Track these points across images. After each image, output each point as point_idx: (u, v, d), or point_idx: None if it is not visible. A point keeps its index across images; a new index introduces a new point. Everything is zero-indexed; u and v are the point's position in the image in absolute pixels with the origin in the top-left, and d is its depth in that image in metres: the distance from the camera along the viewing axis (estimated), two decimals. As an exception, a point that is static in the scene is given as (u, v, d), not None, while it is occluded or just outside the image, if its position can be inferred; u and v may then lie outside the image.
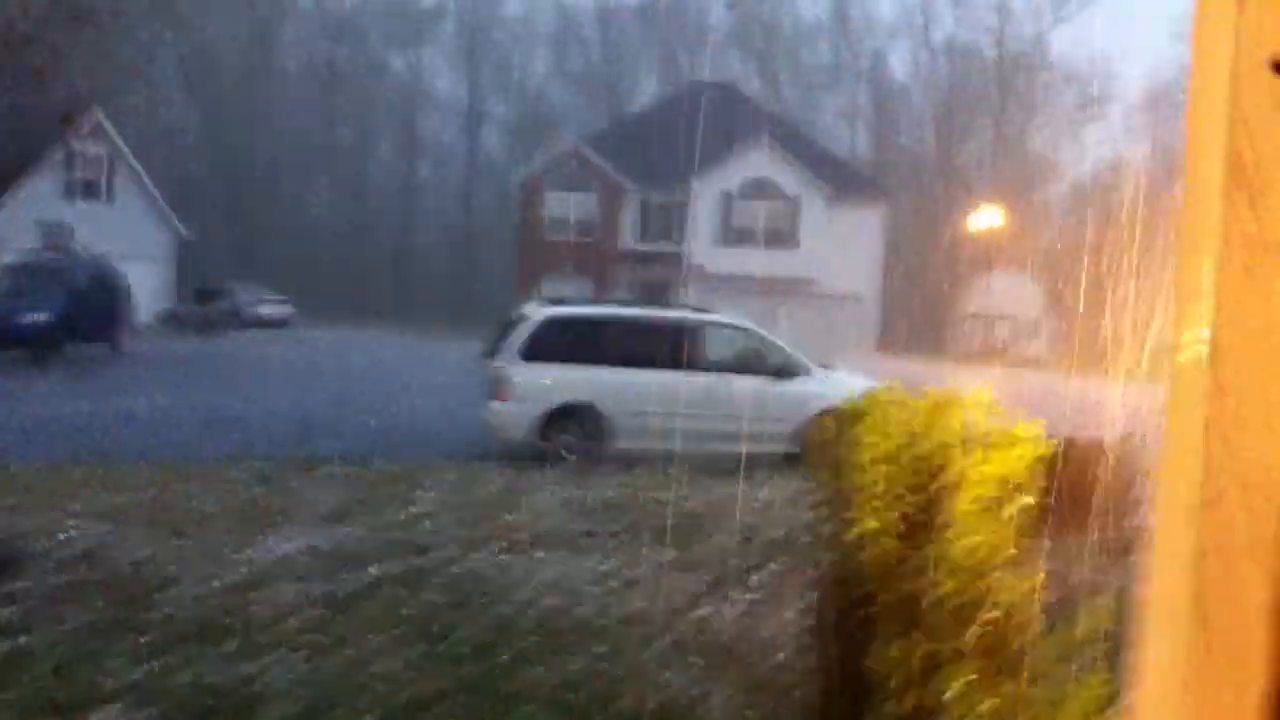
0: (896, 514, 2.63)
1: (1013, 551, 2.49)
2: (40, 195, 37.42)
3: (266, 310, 47.47)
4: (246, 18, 68.49)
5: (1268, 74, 1.01)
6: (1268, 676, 0.99)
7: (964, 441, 2.64)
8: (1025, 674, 2.34)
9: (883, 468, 2.67)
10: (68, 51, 10.48)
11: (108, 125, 40.71)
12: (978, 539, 2.50)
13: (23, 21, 9.12)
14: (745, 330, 15.71)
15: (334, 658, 6.15)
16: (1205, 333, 1.06)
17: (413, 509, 10.37)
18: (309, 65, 71.91)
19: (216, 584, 7.47)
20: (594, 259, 47.63)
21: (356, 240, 67.01)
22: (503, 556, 8.62)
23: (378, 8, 73.47)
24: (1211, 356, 1.04)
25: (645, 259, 48.28)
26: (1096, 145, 76.19)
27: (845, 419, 2.96)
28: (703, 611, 7.31)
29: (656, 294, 43.23)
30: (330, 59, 71.54)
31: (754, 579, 8.16)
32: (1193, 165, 1.10)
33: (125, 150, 43.33)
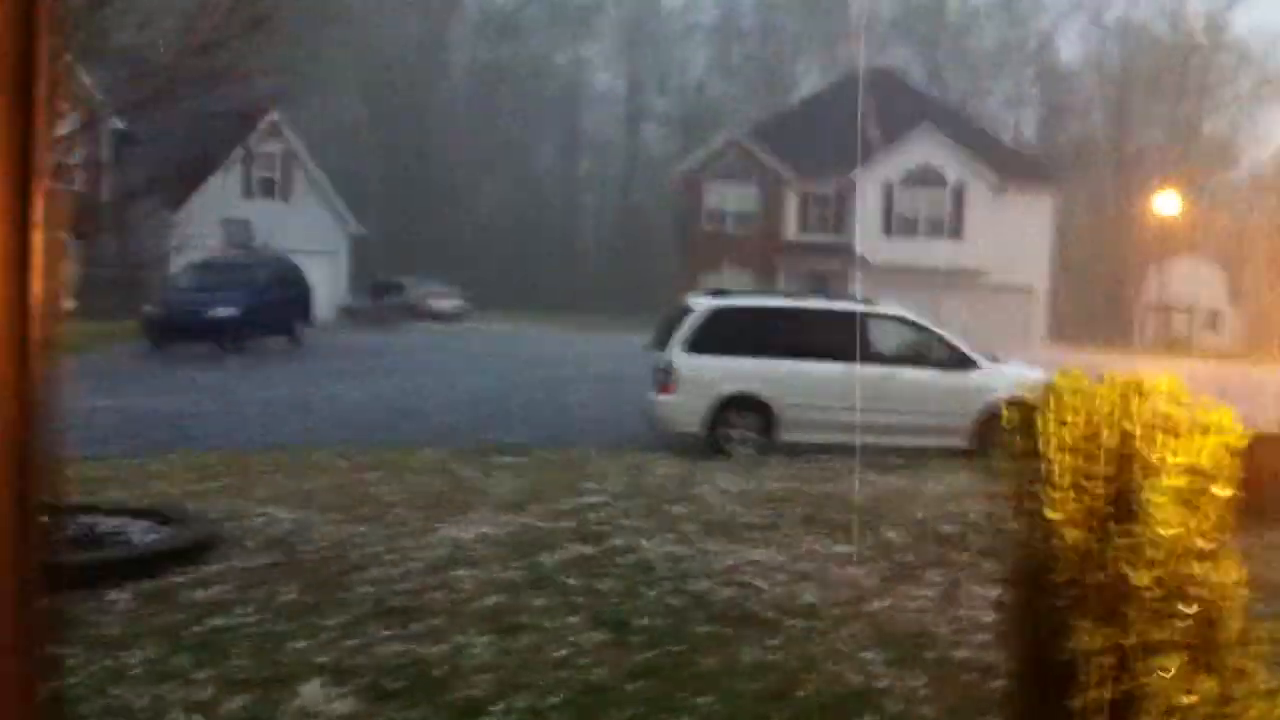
0: (1083, 504, 2.62)
1: (1209, 544, 2.48)
2: (223, 194, 39.07)
3: (439, 303, 48.67)
4: (416, 19, 70.26)
5: None
6: None
7: (1152, 429, 2.62)
8: (1228, 668, 2.33)
9: (1066, 457, 2.67)
10: (246, 55, 10.95)
11: (284, 126, 42.28)
12: (1173, 530, 2.49)
13: (204, 27, 9.56)
14: (911, 322, 15.55)
15: (514, 641, 6.34)
16: None
17: (582, 499, 10.56)
18: (474, 64, 73.44)
19: (399, 570, 7.75)
20: (756, 251, 47.53)
21: (521, 234, 68.22)
22: (671, 547, 8.72)
23: (539, 5, 74.59)
24: None
25: (807, 250, 47.99)
26: (1274, 129, 72.74)
27: (1026, 408, 2.96)
28: (877, 605, 7.29)
29: (819, 285, 42.96)
30: (494, 57, 72.90)
31: (927, 574, 8.11)
32: None
33: (301, 149, 44.92)
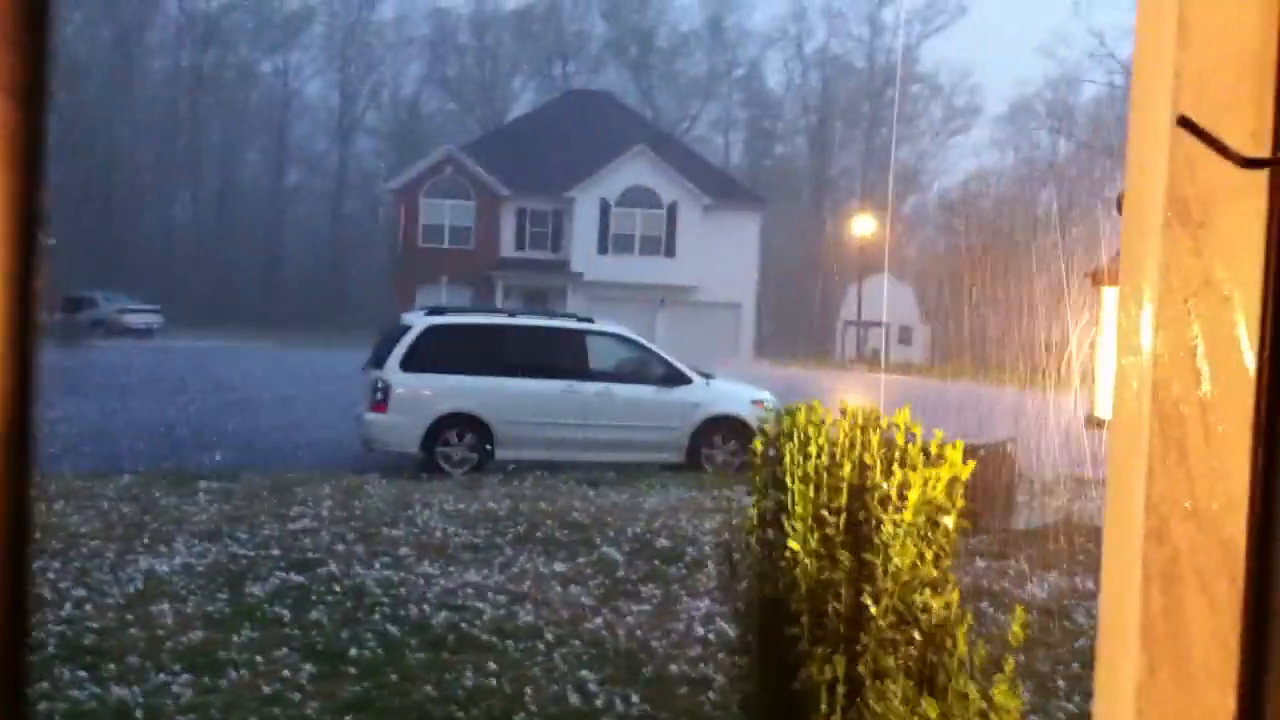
0: (818, 534, 2.66)
1: (936, 573, 2.54)
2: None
3: (133, 319, 46.21)
4: (110, 20, 66.58)
5: (1206, 120, 1.06)
6: (1216, 701, 1.03)
7: (888, 462, 2.69)
8: (952, 691, 2.40)
9: (808, 489, 2.71)
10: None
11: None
12: (908, 559, 2.55)
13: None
14: (627, 339, 15.77)
15: (220, 678, 6.00)
16: (1145, 362, 1.10)
17: (291, 525, 10.17)
18: (175, 69, 70.19)
19: (91, 606, 7.23)
20: (473, 267, 47.31)
21: (224, 248, 65.58)
22: (387, 572, 8.50)
23: (245, 12, 72.02)
24: (1154, 389, 1.09)
25: (525, 267, 48.13)
26: (962, 156, 78.22)
27: (768, 439, 3.00)
28: (596, 623, 7.30)
29: (536, 302, 43.15)
30: (197, 63, 69.91)
31: (643, 589, 8.19)
32: (1134, 205, 1.15)
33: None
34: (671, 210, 48.53)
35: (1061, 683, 6.24)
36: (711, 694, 5.91)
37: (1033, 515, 10.89)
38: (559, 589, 8.17)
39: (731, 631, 5.89)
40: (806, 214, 66.37)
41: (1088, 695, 6.02)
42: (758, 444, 3.03)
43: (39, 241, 0.65)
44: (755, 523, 2.88)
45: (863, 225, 50.41)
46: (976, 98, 77.50)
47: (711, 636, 6.96)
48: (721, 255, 47.23)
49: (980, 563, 9.07)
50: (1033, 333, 10.74)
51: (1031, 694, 5.74)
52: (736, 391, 15.38)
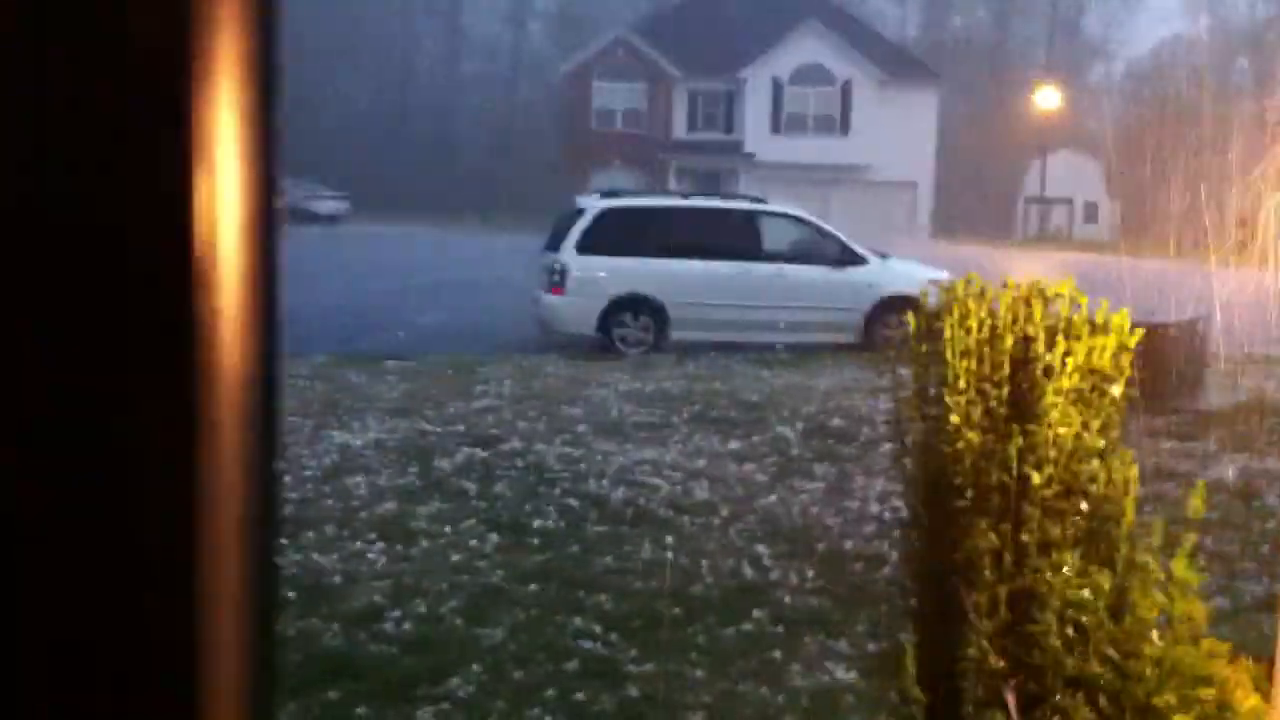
0: (980, 407, 2.66)
1: (1104, 443, 2.52)
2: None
3: (322, 206, 47.67)
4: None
5: None
6: None
7: (1051, 332, 2.66)
8: (1122, 561, 2.39)
9: (968, 362, 2.70)
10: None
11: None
12: (1071, 429, 2.53)
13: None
14: (800, 219, 15.62)
15: (412, 547, 6.31)
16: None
17: (474, 404, 10.50)
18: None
19: (290, 478, 7.65)
20: (645, 150, 47.25)
21: (404, 136, 66.85)
22: (566, 448, 8.74)
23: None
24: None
25: (697, 149, 47.86)
26: (1152, 24, 74.11)
27: (928, 313, 2.98)
28: (769, 500, 7.40)
29: (709, 185, 42.93)
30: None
31: (818, 468, 8.24)
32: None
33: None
34: (845, 87, 47.47)
35: (1249, 564, 6.10)
36: (886, 569, 5.97)
37: (1224, 395, 10.53)
38: (733, 466, 8.29)
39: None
40: (987, 88, 64.03)
41: (1277, 578, 5.87)
42: (914, 318, 3.02)
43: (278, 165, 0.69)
44: (917, 398, 2.89)
45: (1046, 98, 48.42)
46: (1172, -38, 73.05)
47: (886, 514, 6.99)
48: (897, 132, 46.08)
49: (1166, 443, 8.85)
50: (1226, 208, 10.26)
51: (1217, 574, 5.63)
52: (912, 271, 15.12)
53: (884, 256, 15.41)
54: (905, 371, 3.11)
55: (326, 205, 48.19)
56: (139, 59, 0.61)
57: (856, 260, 14.99)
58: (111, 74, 0.61)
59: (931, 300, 2.98)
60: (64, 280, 0.61)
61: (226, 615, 0.65)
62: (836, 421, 9.84)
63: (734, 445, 8.96)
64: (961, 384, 2.71)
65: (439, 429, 9.33)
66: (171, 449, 0.63)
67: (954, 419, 2.68)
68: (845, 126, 47.61)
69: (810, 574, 5.98)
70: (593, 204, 15.12)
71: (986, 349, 2.70)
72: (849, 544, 6.53)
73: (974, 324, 2.77)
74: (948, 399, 2.68)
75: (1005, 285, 2.83)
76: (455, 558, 6.17)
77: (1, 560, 0.61)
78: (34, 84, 0.59)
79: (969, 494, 2.60)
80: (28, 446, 0.61)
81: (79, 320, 0.61)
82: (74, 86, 0.60)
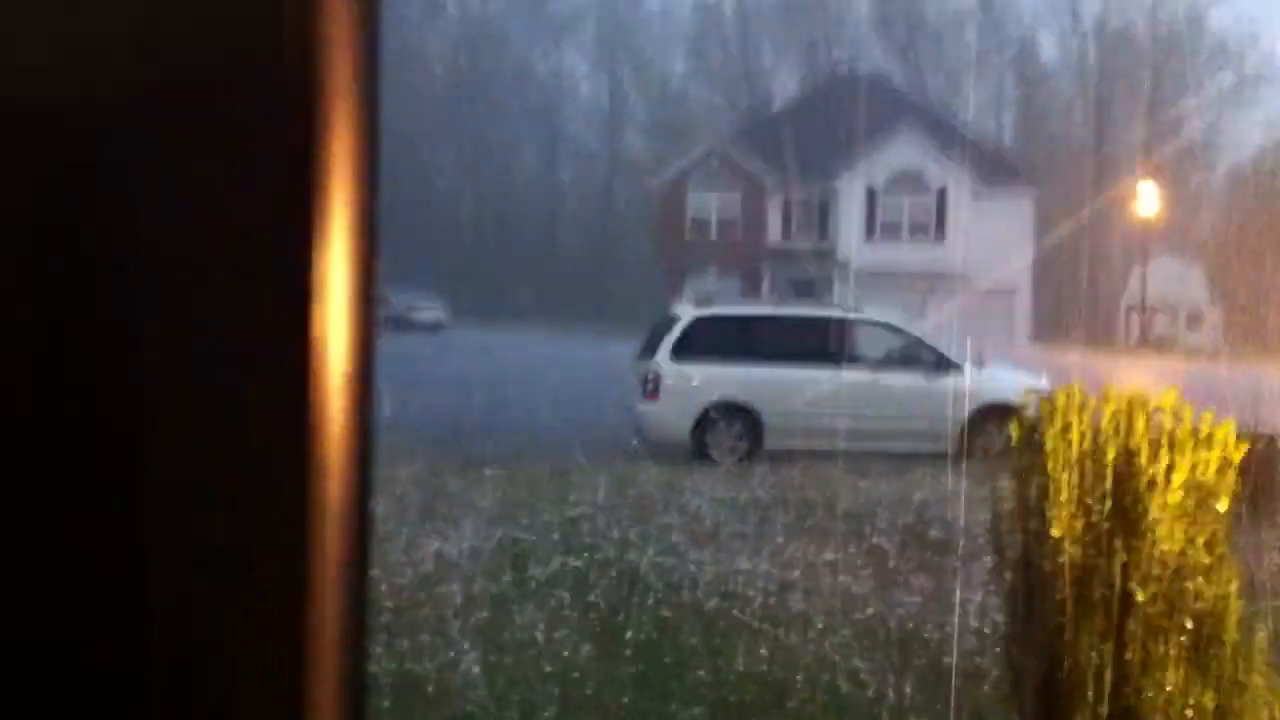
0: (1082, 521, 2.62)
1: (1209, 559, 2.47)
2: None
3: (422, 315, 48.56)
4: (391, 28, 70.19)
5: None
6: None
7: (1155, 444, 2.62)
8: (1226, 679, 2.33)
9: (1066, 475, 2.67)
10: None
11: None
12: (1176, 545, 2.48)
13: None
14: (896, 327, 15.57)
15: (506, 656, 6.31)
16: None
17: (568, 511, 10.53)
18: (454, 72, 73.40)
19: (386, 584, 7.72)
20: (740, 257, 47.57)
21: (503, 244, 68.15)
22: (660, 558, 8.70)
23: (519, 9, 74.55)
24: None
25: (791, 256, 48.05)
26: (1254, 127, 73.29)
27: (1029, 423, 2.96)
28: (867, 612, 7.29)
29: (803, 291, 43.01)
30: (475, 65, 72.86)
31: (915, 580, 8.11)
32: None
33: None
34: (940, 194, 47.51)
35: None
36: (985, 685, 5.82)
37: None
38: (829, 578, 8.18)
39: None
40: (1084, 194, 63.62)
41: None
42: (1015, 428, 3.00)
43: (377, 248, 0.73)
44: (1018, 510, 2.86)
45: (1146, 202, 47.93)
46: (1268, 66, 72.39)
47: (986, 629, 6.83)
48: (994, 238, 45.86)
49: (1277, 558, 8.56)
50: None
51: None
52: (1010, 378, 14.94)
53: (980, 364, 15.26)
54: (1004, 483, 3.08)
55: (427, 314, 49.10)
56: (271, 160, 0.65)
57: (952, 368, 14.86)
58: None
59: (1032, 411, 2.97)
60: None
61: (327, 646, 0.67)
62: (934, 533, 9.69)
63: (829, 556, 8.86)
64: (1063, 496, 2.68)
65: (533, 536, 9.36)
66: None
67: (1055, 532, 2.64)
68: (940, 233, 47.54)
69: (908, 689, 5.86)
70: (686, 311, 15.24)
71: (1089, 461, 2.67)
72: (946, 659, 6.39)
73: (1076, 436, 2.74)
74: (1048, 512, 2.65)
75: (1106, 396, 2.81)
76: (548, 668, 6.16)
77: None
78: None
79: (1070, 609, 2.56)
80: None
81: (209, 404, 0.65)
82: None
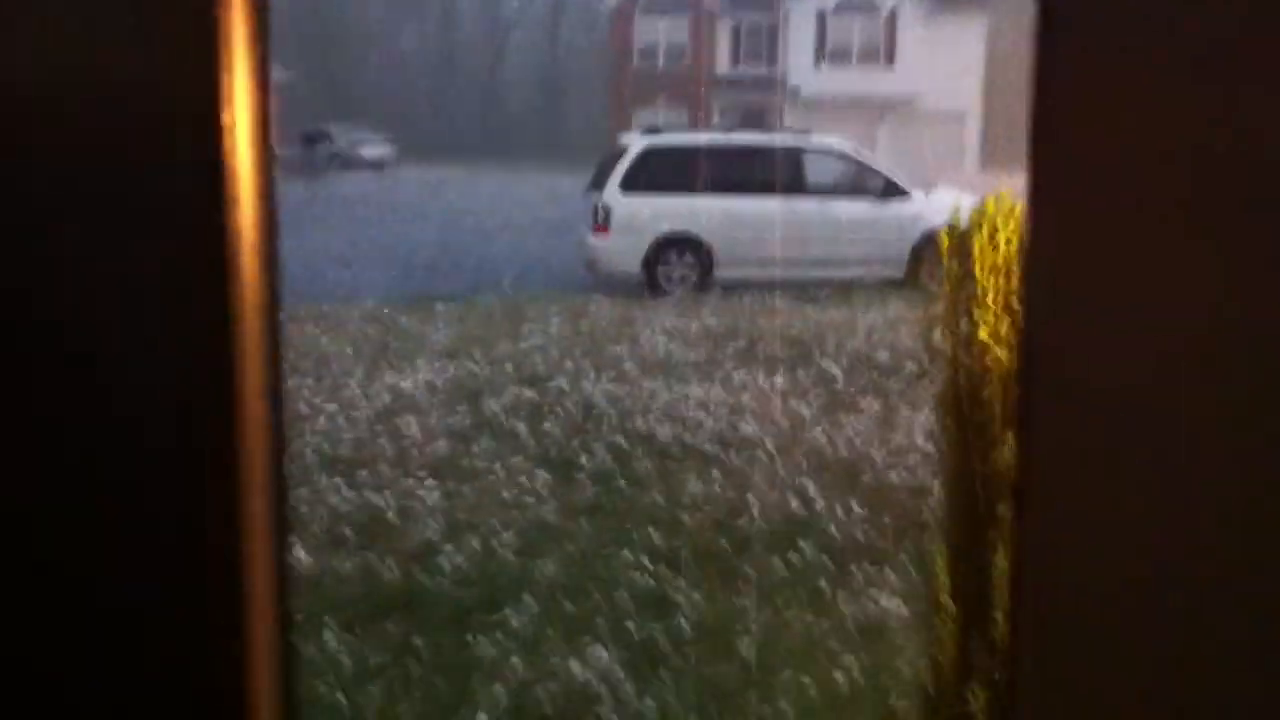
0: (1008, 323, 2.70)
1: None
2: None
3: (369, 151, 47.77)
4: None
5: None
6: None
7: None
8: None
9: (993, 279, 2.74)
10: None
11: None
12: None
13: None
14: (844, 154, 15.54)
15: (464, 485, 6.46)
16: None
17: (522, 344, 10.63)
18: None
19: (344, 419, 7.81)
20: (687, 86, 46.92)
21: (448, 78, 66.76)
22: (612, 386, 8.84)
23: None
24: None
25: (740, 84, 47.46)
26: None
27: (959, 233, 3.02)
28: (814, 434, 7.48)
29: (753, 120, 42.60)
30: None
31: (863, 402, 8.30)
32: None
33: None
34: (891, 16, 46.81)
35: None
36: (931, 500, 6.04)
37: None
38: (778, 402, 8.36)
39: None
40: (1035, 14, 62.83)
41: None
42: (944, 237, 3.06)
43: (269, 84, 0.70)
44: (948, 316, 2.94)
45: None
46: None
47: (931, 447, 7.04)
48: (945, 63, 45.45)
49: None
50: None
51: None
52: (959, 203, 15.00)
53: (930, 189, 15.31)
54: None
55: (374, 150, 48.28)
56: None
57: (901, 193, 14.92)
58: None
59: (964, 221, 3.02)
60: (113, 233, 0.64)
61: (261, 610, 0.68)
62: (882, 355, 9.88)
63: (779, 381, 9.03)
64: (989, 300, 2.75)
65: (488, 370, 9.46)
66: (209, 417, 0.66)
67: (982, 335, 2.72)
68: (891, 57, 47.01)
69: (856, 506, 6.07)
70: (635, 142, 15.12)
71: (1015, 265, 2.73)
72: (894, 476, 6.60)
73: (1002, 240, 2.80)
74: (976, 316, 2.72)
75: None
76: (506, 494, 6.32)
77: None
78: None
79: (997, 409, 2.66)
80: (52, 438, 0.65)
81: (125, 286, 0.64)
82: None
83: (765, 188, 14.51)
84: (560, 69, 69.63)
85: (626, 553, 5.46)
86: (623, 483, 6.52)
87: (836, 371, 9.28)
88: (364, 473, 6.63)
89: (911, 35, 46.51)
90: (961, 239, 3.01)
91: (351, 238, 21.52)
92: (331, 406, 8.14)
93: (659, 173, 14.49)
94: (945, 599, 2.83)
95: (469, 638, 4.60)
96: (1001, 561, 2.57)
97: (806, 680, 4.23)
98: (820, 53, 47.00)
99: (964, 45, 46.84)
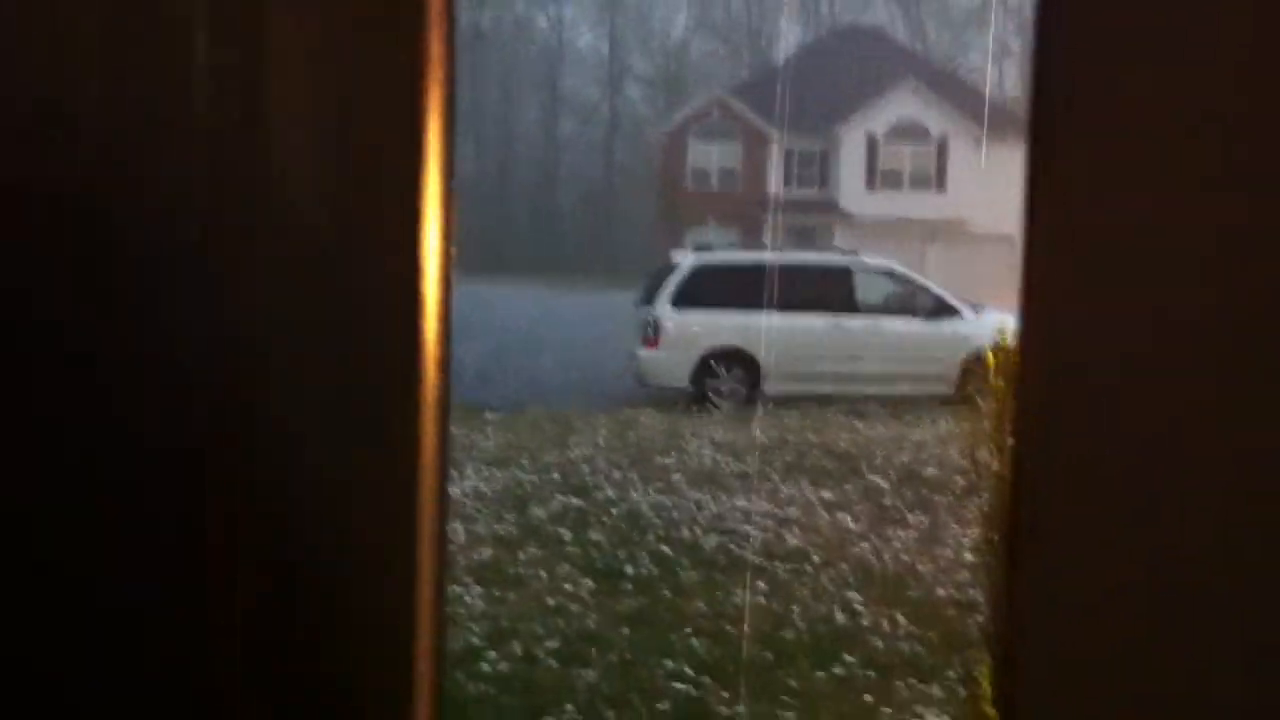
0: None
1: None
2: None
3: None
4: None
5: None
6: None
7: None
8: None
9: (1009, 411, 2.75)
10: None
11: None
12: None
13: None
14: (894, 273, 15.63)
15: (509, 591, 6.45)
16: None
17: (569, 454, 10.65)
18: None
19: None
20: (740, 208, 47.46)
21: (503, 197, 67.98)
22: (659, 497, 8.83)
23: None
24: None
25: (792, 206, 47.92)
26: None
27: (1007, 352, 3.05)
28: (862, 548, 7.42)
29: (804, 241, 42.94)
30: (474, 20, 72.34)
31: (911, 517, 8.24)
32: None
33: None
34: (942, 143, 47.32)
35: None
36: (978, 615, 5.95)
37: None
38: (825, 515, 8.31)
39: (997, 552, 5.91)
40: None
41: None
42: (991, 356, 3.09)
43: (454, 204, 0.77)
44: (995, 433, 2.94)
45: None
46: None
47: (979, 561, 6.96)
48: (994, 187, 45.72)
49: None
50: None
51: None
52: (1007, 322, 14.99)
53: (979, 308, 15.32)
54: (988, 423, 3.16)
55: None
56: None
57: (952, 312, 14.94)
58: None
59: (1003, 339, 3.05)
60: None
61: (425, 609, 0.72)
62: (931, 471, 9.81)
63: (826, 494, 8.98)
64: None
65: (535, 478, 9.49)
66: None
67: (995, 466, 2.73)
68: (941, 182, 47.40)
69: (902, 620, 5.99)
70: (686, 259, 15.30)
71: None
72: (941, 591, 6.52)
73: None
74: (992, 446, 2.73)
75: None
76: (550, 601, 6.29)
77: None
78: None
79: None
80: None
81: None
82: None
83: (815, 305, 14.58)
84: (612, 190, 70.74)
85: (669, 662, 5.41)
86: (667, 592, 6.48)
87: (884, 486, 9.23)
88: (409, 576, 6.63)
89: (961, 160, 46.91)
90: (1008, 357, 3.03)
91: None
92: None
93: (709, 288, 14.63)
94: (987, 708, 2.79)
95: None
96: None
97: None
98: (872, 177, 47.49)
99: (1012, 169, 47.11)
